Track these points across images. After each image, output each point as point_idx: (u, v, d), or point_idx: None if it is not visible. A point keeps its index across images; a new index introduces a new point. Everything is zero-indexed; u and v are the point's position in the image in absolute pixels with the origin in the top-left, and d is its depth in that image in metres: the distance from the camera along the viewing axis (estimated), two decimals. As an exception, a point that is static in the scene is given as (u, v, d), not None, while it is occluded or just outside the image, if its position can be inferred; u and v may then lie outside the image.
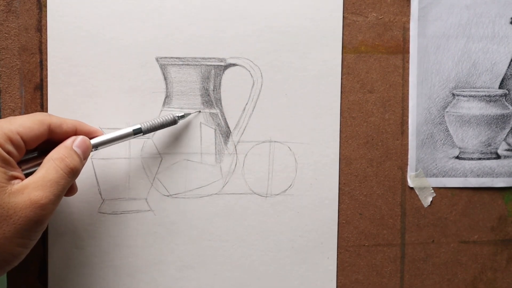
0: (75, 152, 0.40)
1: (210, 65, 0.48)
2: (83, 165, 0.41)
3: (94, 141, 0.43)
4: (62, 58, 0.47)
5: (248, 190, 0.49)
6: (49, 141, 0.41)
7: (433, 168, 0.51)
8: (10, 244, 0.36)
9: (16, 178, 0.38)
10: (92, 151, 0.43)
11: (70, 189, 0.43)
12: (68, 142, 0.41)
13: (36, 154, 0.41)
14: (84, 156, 0.41)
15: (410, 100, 0.51)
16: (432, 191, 0.51)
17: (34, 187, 0.37)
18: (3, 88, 0.47)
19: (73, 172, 0.40)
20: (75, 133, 0.42)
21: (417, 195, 0.51)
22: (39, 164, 0.40)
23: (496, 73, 0.51)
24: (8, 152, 0.37)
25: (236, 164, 0.49)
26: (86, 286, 0.48)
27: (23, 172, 0.40)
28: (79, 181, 0.47)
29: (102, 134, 0.44)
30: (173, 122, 0.46)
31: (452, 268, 0.52)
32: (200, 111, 0.48)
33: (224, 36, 0.48)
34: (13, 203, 0.36)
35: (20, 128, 0.38)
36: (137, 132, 0.44)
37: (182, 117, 0.47)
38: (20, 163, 0.40)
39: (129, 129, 0.44)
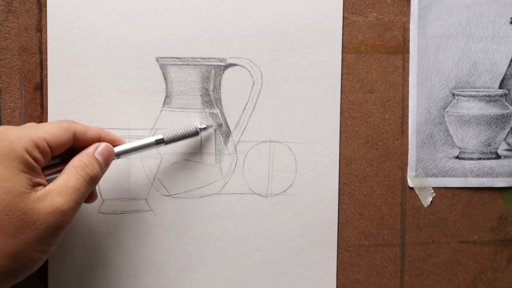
0: (96, 159, 0.41)
1: (210, 65, 0.48)
2: (103, 172, 0.42)
3: (117, 149, 0.43)
4: (62, 58, 0.47)
5: (248, 190, 0.49)
6: (72, 147, 0.41)
7: (433, 168, 0.51)
8: (32, 250, 0.36)
9: (40, 184, 0.38)
10: (114, 159, 0.43)
11: (90, 195, 0.43)
12: (90, 149, 0.41)
13: (58, 161, 0.41)
14: (105, 164, 0.42)
15: (410, 100, 0.51)
16: (432, 191, 0.51)
17: (56, 193, 0.37)
18: (3, 88, 0.47)
19: (93, 180, 0.40)
20: (99, 140, 0.43)
21: (417, 195, 0.51)
22: (60, 170, 0.40)
23: (496, 73, 0.51)
24: (35, 159, 0.38)
25: (236, 164, 0.49)
26: (86, 286, 0.48)
27: (46, 178, 0.40)
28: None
29: (124, 142, 0.44)
30: (195, 133, 0.46)
31: (452, 268, 0.52)
32: (221, 125, 0.48)
33: (224, 36, 0.48)
34: (36, 209, 0.36)
35: (46, 135, 0.39)
36: (159, 142, 0.45)
37: (205, 129, 0.47)
38: (43, 169, 0.40)
39: (152, 139, 0.44)
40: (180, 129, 0.46)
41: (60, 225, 0.37)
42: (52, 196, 0.37)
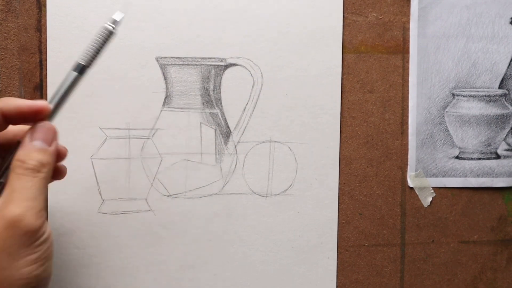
0: (34, 148, 0.36)
1: (210, 65, 0.48)
2: (52, 153, 0.37)
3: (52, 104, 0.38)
4: (62, 58, 0.47)
5: (248, 190, 0.49)
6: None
7: (433, 168, 0.51)
8: (17, 272, 0.33)
9: None
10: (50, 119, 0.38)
11: (56, 172, 0.40)
12: (24, 140, 0.36)
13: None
14: (49, 143, 0.37)
15: (410, 100, 0.51)
16: (432, 191, 0.51)
17: (5, 204, 0.34)
18: (3, 88, 0.47)
19: (35, 170, 0.35)
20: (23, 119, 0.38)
21: (417, 195, 0.51)
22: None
23: (496, 73, 0.51)
24: None
25: (236, 164, 0.49)
26: (86, 286, 0.48)
27: None
28: (79, 181, 0.47)
29: (44, 105, 0.37)
30: (109, 34, 0.38)
31: (452, 268, 0.52)
32: (122, 15, 0.38)
33: (224, 36, 0.48)
34: None
35: None
36: (80, 69, 0.38)
37: (115, 22, 0.38)
38: None
39: (71, 72, 0.38)
40: (94, 42, 0.38)
41: (25, 230, 0.34)
42: (1, 209, 0.34)
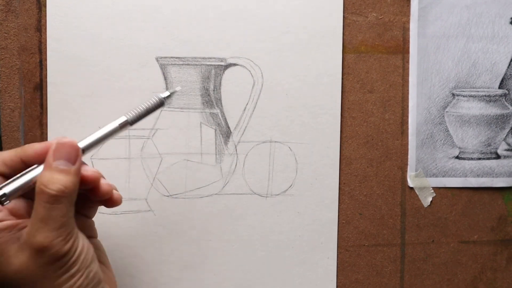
0: (57, 169, 0.35)
1: (210, 65, 0.48)
2: (75, 173, 0.36)
3: (81, 144, 0.38)
4: (62, 58, 0.47)
5: (248, 190, 0.49)
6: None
7: (433, 168, 0.51)
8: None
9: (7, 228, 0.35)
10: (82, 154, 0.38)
11: (109, 200, 0.39)
12: (47, 159, 0.36)
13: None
14: (73, 162, 0.36)
15: (410, 100, 0.51)
16: (432, 191, 0.51)
17: (33, 232, 0.34)
18: (3, 88, 0.47)
19: (59, 196, 0.35)
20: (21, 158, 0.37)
21: (417, 195, 0.51)
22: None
23: (496, 73, 0.51)
24: None
25: (236, 164, 0.49)
26: (86, 287, 0.48)
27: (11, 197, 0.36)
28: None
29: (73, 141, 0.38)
30: (160, 104, 0.41)
31: (452, 268, 0.52)
32: (180, 88, 0.45)
33: (224, 36, 0.48)
34: (21, 260, 0.34)
35: None
36: (123, 125, 0.39)
37: (169, 97, 0.41)
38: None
39: (115, 124, 0.39)
40: (142, 104, 0.40)
41: (55, 257, 0.34)
42: (30, 237, 0.34)
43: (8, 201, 0.35)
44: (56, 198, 0.34)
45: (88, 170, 0.38)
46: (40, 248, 0.34)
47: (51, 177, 0.35)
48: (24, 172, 0.36)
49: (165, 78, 0.48)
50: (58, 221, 0.34)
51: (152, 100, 0.40)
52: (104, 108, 0.47)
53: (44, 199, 0.34)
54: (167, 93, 0.41)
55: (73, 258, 0.35)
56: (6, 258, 0.34)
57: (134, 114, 0.39)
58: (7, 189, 0.35)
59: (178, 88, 0.45)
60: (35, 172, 0.36)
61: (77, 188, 0.36)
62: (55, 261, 0.34)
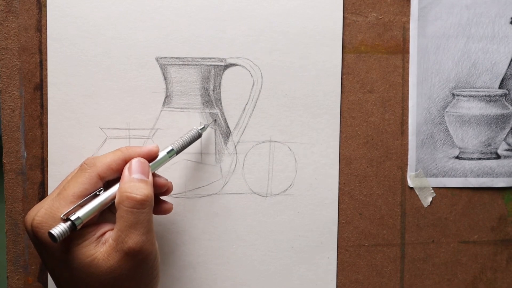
0: (137, 180, 0.39)
1: (210, 65, 0.48)
2: (151, 185, 0.40)
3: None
4: (62, 58, 0.47)
5: (248, 190, 0.49)
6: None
7: (433, 168, 0.51)
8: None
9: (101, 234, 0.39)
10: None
11: (162, 208, 0.44)
12: (124, 174, 0.40)
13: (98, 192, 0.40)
14: (147, 176, 0.40)
15: (410, 100, 0.51)
16: (432, 191, 0.51)
17: (123, 238, 0.38)
18: (3, 88, 0.47)
19: (143, 202, 0.38)
20: (124, 163, 0.41)
21: (417, 195, 0.51)
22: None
23: (496, 73, 0.51)
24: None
25: (236, 164, 0.49)
26: (86, 286, 0.48)
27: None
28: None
29: (153, 149, 0.43)
30: (198, 136, 0.46)
31: (452, 268, 0.52)
32: (215, 120, 0.48)
33: (224, 36, 0.48)
34: (110, 265, 0.38)
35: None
36: (171, 154, 0.44)
37: (203, 129, 0.47)
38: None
39: (164, 153, 0.43)
40: (186, 136, 0.45)
41: (144, 260, 0.38)
42: (123, 241, 0.37)
43: (81, 224, 0.37)
44: (142, 203, 0.38)
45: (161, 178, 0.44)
46: (132, 252, 0.37)
47: (134, 186, 0.39)
48: (89, 196, 0.39)
49: (165, 78, 0.48)
50: (145, 226, 0.38)
51: (191, 132, 0.46)
52: (104, 108, 0.47)
53: (131, 205, 0.38)
54: (202, 126, 0.47)
55: (156, 261, 0.40)
56: (96, 260, 0.38)
57: (179, 143, 0.44)
58: (81, 213, 0.38)
59: (212, 125, 0.48)
60: (105, 194, 0.40)
61: (153, 198, 0.40)
62: (143, 263, 0.38)
